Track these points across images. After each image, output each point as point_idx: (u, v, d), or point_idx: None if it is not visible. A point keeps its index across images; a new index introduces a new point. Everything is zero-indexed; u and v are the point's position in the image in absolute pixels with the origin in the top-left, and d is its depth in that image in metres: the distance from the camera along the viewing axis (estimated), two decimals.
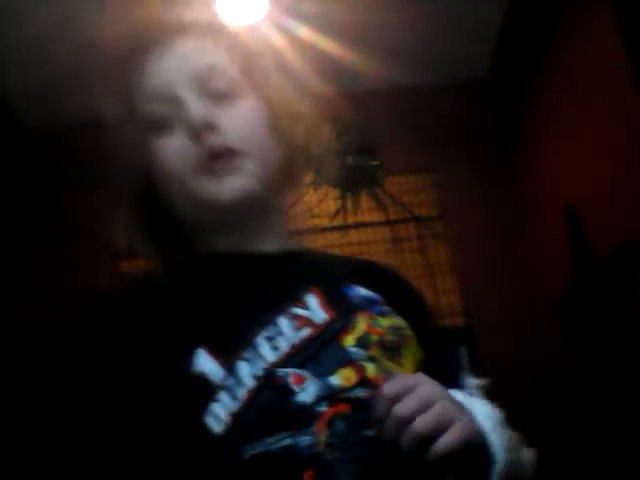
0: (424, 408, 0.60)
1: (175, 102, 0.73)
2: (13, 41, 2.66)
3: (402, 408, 0.60)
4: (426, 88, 3.10)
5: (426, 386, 0.63)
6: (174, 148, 0.72)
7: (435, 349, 0.76)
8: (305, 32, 2.78)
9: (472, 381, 0.81)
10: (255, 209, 0.75)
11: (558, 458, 2.42)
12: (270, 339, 0.65)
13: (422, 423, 0.59)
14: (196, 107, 0.72)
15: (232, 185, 0.71)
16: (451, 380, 0.74)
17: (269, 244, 0.77)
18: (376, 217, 2.93)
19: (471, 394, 0.77)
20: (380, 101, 3.04)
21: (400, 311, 0.74)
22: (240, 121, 0.74)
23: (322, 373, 0.64)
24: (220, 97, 0.74)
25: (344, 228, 2.78)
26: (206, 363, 0.63)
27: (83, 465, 0.67)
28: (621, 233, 2.12)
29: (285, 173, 0.79)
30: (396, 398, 0.60)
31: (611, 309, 2.17)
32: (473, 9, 2.80)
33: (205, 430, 0.61)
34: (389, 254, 2.89)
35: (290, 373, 0.63)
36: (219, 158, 0.71)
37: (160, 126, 0.74)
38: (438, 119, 3.09)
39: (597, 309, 2.25)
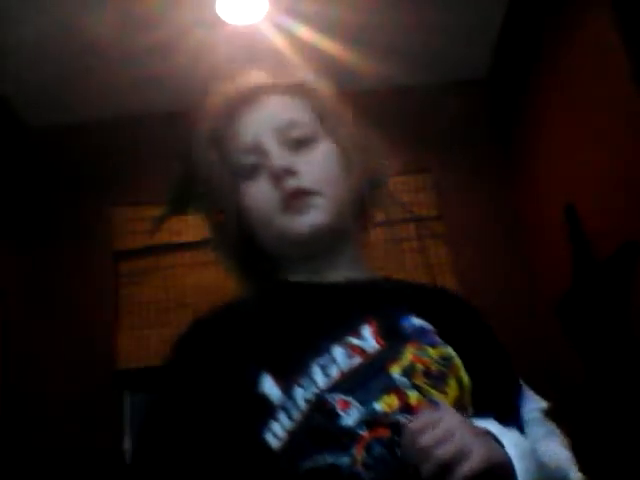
0: (445, 439, 0.65)
1: (261, 153, 0.87)
2: (14, 41, 2.66)
3: (425, 439, 0.65)
4: (426, 88, 3.10)
5: (448, 419, 0.68)
6: (260, 191, 0.86)
7: (492, 376, 0.82)
8: (305, 32, 2.78)
9: (534, 404, 0.86)
10: (328, 241, 0.87)
11: None
12: (323, 367, 0.73)
13: (442, 452, 0.64)
14: (278, 157, 0.85)
15: (306, 220, 0.84)
16: (504, 405, 0.80)
17: (342, 273, 0.88)
18: (376, 217, 2.92)
19: (530, 418, 0.82)
20: (380, 101, 3.04)
21: (455, 339, 0.80)
22: (314, 164, 0.87)
23: (367, 399, 0.71)
24: (298, 144, 0.88)
25: None
26: (269, 386, 0.73)
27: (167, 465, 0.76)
28: (621, 233, 2.12)
29: (356, 208, 0.91)
30: (421, 431, 0.66)
31: (611, 309, 2.17)
32: (473, 9, 2.80)
33: (265, 445, 0.70)
34: (389, 254, 2.89)
35: (337, 399, 0.71)
36: (296, 198, 0.84)
37: (249, 173, 0.87)
38: (438, 119, 3.09)
39: (598, 310, 2.25)
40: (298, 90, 0.94)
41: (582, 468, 0.86)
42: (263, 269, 0.92)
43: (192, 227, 2.90)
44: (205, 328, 0.85)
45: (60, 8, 2.56)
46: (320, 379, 0.73)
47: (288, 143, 0.88)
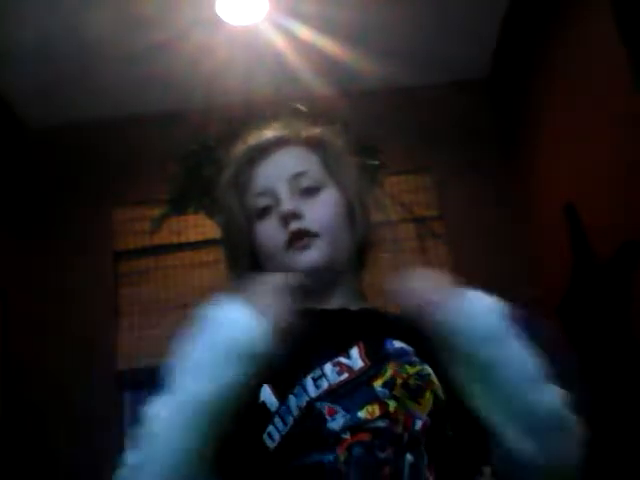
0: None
1: (274, 197, 1.01)
2: (15, 41, 2.67)
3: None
4: (426, 88, 3.10)
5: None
6: (269, 230, 1.00)
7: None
8: (305, 32, 2.78)
9: None
10: (325, 277, 0.99)
11: None
12: (315, 379, 0.86)
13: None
14: (287, 203, 0.99)
15: (306, 259, 0.97)
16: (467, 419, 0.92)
17: (337, 304, 1.00)
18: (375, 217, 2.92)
19: None
20: (380, 101, 3.04)
21: (431, 360, 0.92)
22: (318, 210, 1.00)
23: (352, 408, 0.83)
24: (307, 191, 1.02)
25: None
26: (268, 396, 0.85)
27: None
28: (621, 233, 2.12)
29: (356, 249, 1.04)
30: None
31: (611, 309, 2.18)
32: (473, 9, 2.80)
33: (263, 445, 0.83)
34: (389, 254, 2.88)
35: (325, 406, 0.83)
36: (298, 238, 0.97)
37: (262, 212, 1.01)
38: (438, 119, 3.10)
39: (598, 309, 2.25)
40: (311, 143, 1.08)
41: (583, 467, 0.88)
42: None
43: (192, 227, 2.90)
44: None
45: (60, 8, 2.57)
46: (311, 389, 0.85)
47: (298, 190, 1.01)
